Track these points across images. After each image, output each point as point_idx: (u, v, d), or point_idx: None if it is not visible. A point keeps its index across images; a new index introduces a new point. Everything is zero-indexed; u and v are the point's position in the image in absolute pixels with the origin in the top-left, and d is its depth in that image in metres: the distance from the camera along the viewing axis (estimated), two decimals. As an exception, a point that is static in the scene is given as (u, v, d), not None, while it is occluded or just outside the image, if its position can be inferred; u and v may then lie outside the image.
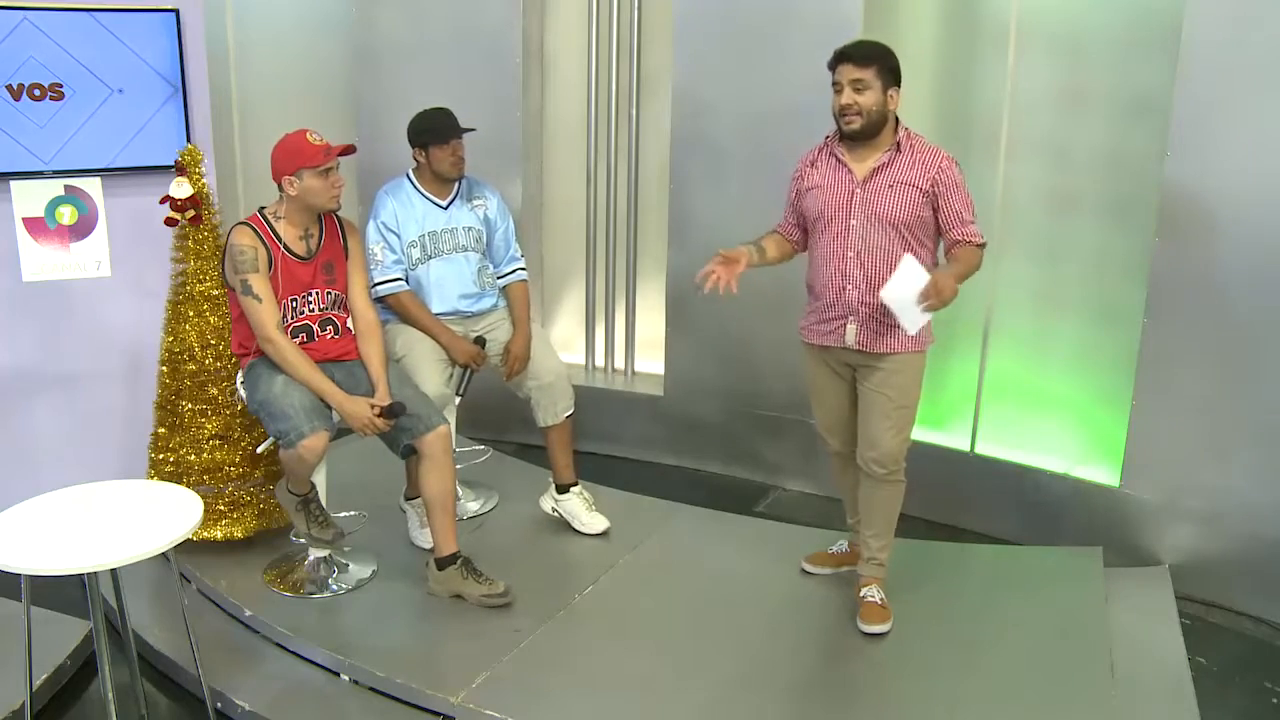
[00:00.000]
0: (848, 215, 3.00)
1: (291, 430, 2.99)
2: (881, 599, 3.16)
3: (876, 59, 2.92)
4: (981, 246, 2.98)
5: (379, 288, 3.49)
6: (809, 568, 3.45)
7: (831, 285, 3.05)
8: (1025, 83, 3.80)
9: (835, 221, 3.03)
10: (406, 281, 3.54)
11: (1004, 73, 3.81)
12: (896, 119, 2.98)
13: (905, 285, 2.83)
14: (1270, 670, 3.17)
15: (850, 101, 2.92)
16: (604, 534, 3.69)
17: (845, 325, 3.05)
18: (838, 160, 3.03)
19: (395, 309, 3.53)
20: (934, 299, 2.78)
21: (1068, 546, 3.67)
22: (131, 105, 3.68)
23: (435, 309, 3.57)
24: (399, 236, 3.53)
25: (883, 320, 3.01)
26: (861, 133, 2.95)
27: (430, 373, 3.43)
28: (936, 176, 2.94)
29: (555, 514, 3.76)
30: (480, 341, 3.59)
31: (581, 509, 3.72)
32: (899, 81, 2.95)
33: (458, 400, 3.62)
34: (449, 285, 3.59)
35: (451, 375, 3.56)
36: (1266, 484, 3.37)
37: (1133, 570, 3.56)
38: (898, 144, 2.97)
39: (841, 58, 2.94)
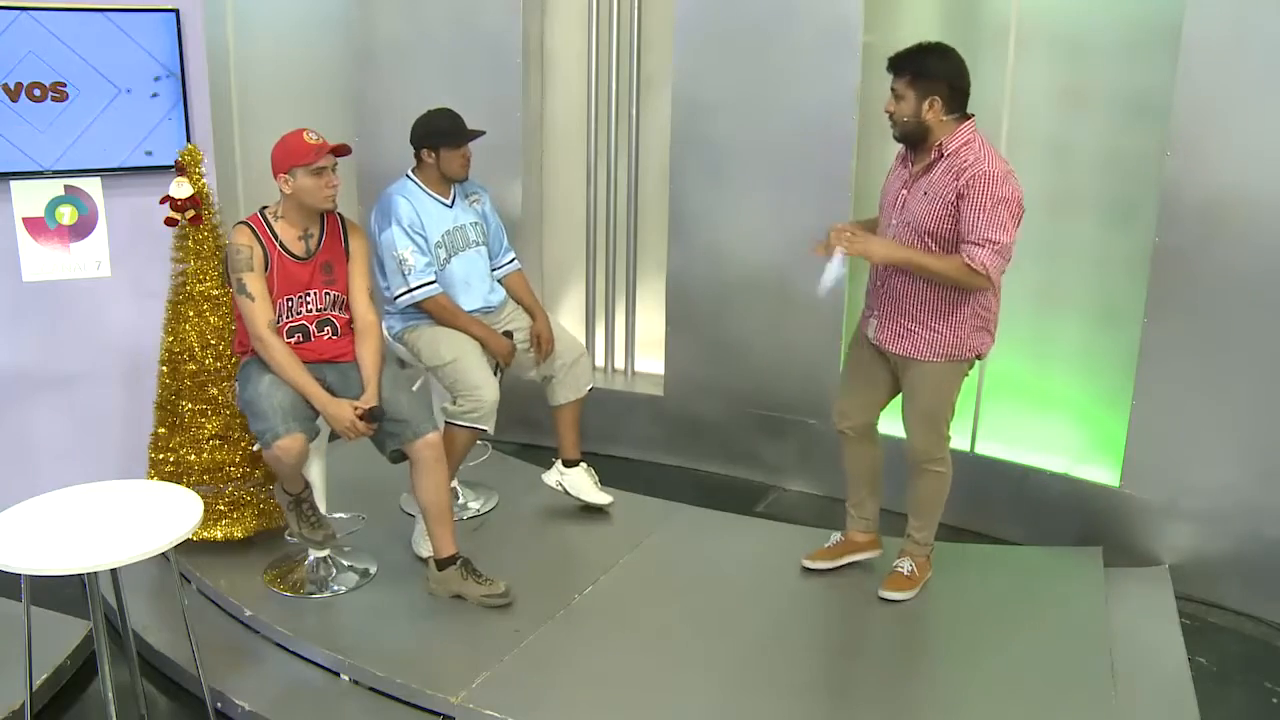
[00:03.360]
0: (893, 214, 3.09)
1: (268, 431, 3.01)
2: (910, 570, 3.28)
3: (908, 67, 2.95)
4: (974, 272, 2.85)
5: (417, 292, 3.43)
6: (809, 564, 3.46)
7: (870, 277, 3.19)
8: (1025, 83, 3.80)
9: (886, 219, 3.13)
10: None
11: (1004, 73, 3.80)
12: (968, 123, 2.95)
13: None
14: (1270, 670, 3.17)
15: (889, 109, 2.99)
16: (608, 512, 3.79)
17: (872, 319, 3.19)
18: (904, 159, 3.11)
19: (433, 311, 3.48)
20: (845, 239, 2.88)
21: (1068, 546, 3.67)
22: (131, 105, 3.68)
23: (465, 306, 3.55)
24: (425, 238, 3.47)
25: (900, 323, 3.09)
26: (902, 139, 3.04)
27: (486, 374, 3.43)
28: (962, 189, 2.87)
29: (560, 488, 3.82)
30: (508, 335, 3.61)
31: (588, 483, 3.80)
32: (947, 88, 2.91)
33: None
34: (474, 281, 3.59)
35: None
36: (1266, 484, 3.37)
37: (1133, 570, 3.56)
38: (940, 152, 2.94)
39: (887, 63, 2.99)
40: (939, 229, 2.94)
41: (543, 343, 3.63)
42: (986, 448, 4.01)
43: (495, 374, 3.53)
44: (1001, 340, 3.98)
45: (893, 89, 2.97)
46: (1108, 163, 3.73)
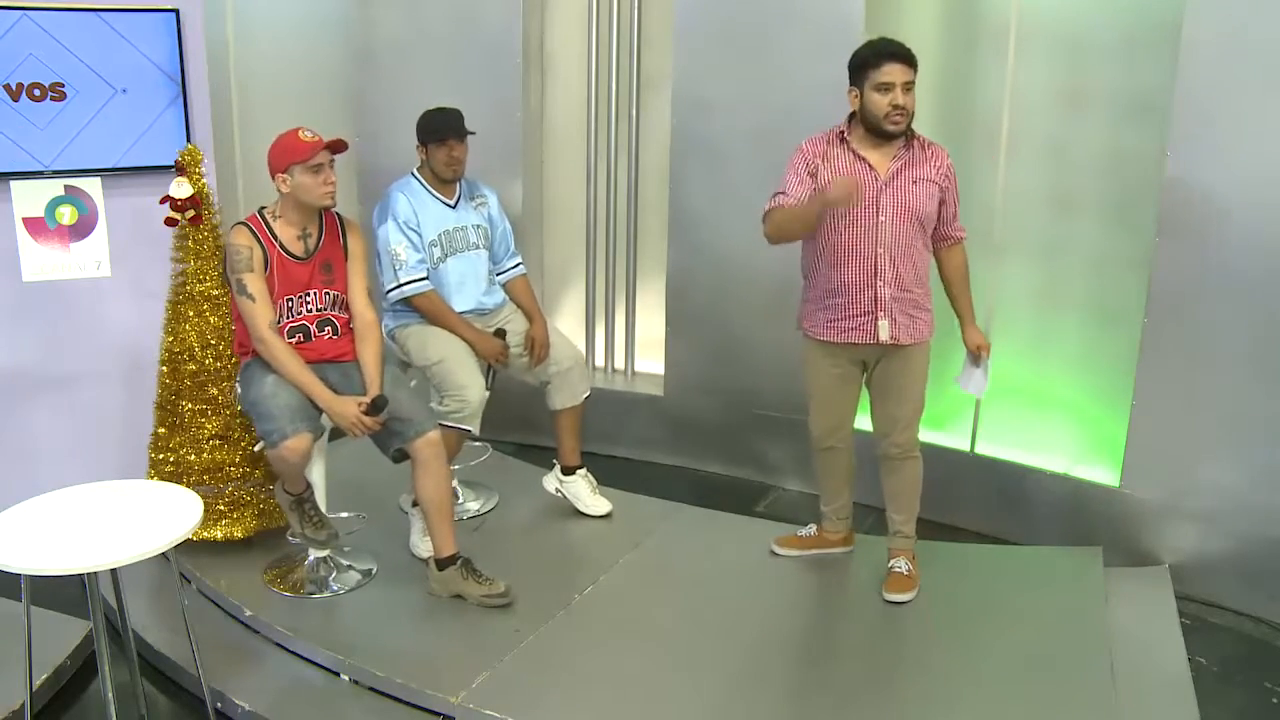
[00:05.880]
0: (876, 211, 3.03)
1: (275, 431, 3.00)
2: (908, 569, 3.28)
3: (916, 61, 2.96)
4: (961, 241, 3.21)
5: (406, 288, 3.47)
6: (778, 549, 3.53)
7: (857, 282, 3.09)
8: (1025, 83, 3.80)
9: (861, 218, 3.05)
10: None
11: (1004, 73, 3.80)
12: None
13: (974, 379, 3.31)
14: (1270, 670, 3.17)
15: (904, 103, 2.94)
16: (607, 517, 3.78)
17: (876, 321, 3.10)
18: (855, 156, 3.05)
19: (423, 308, 3.50)
20: (986, 353, 3.24)
21: (1068, 546, 3.67)
22: (132, 106, 3.68)
23: (457, 307, 3.56)
24: (420, 235, 3.50)
25: (909, 314, 3.11)
26: (904, 134, 3.01)
27: (472, 375, 3.44)
28: (947, 172, 3.06)
29: (558, 494, 3.83)
30: (500, 334, 3.60)
31: (586, 491, 3.80)
32: None
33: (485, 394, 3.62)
34: (468, 283, 3.60)
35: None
36: (1266, 484, 3.37)
37: (1133, 570, 3.56)
38: (909, 141, 3.03)
39: (893, 56, 2.93)
40: (930, 209, 3.08)
41: (537, 347, 3.63)
42: (986, 448, 4.01)
43: (488, 374, 3.55)
44: (1001, 340, 4.01)
45: (907, 83, 2.94)
46: (1108, 163, 3.74)
